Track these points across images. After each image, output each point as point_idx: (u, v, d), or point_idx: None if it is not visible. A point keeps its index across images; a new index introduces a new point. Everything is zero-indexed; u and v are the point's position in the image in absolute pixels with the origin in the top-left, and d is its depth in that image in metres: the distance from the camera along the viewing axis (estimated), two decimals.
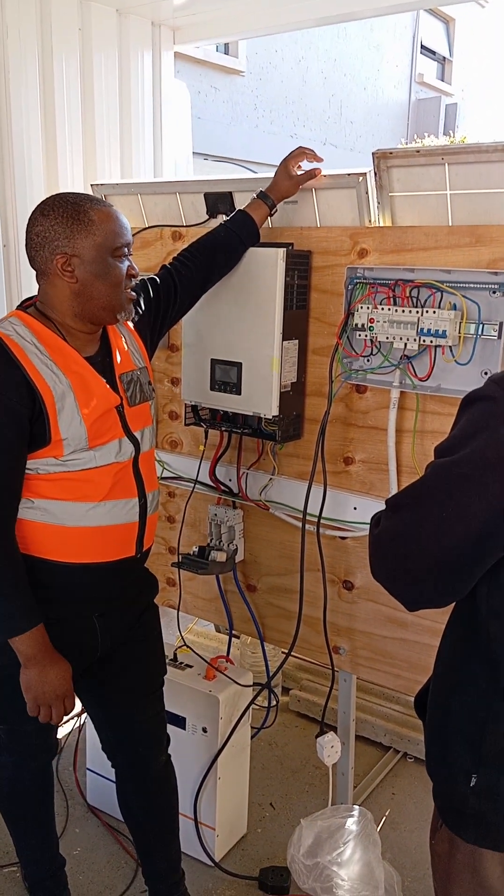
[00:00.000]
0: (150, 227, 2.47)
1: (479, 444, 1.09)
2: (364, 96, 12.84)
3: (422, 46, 14.35)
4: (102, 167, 2.82)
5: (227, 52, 9.82)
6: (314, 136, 11.69)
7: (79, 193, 1.68)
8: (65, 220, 1.61)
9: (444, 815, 1.36)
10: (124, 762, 2.03)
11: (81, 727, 2.79)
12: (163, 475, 2.52)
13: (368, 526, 2.04)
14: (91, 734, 2.43)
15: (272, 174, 2.09)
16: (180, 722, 2.34)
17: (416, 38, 14.07)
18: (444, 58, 15.42)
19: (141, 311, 1.87)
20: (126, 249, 1.66)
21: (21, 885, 2.18)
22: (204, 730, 2.32)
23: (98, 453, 1.67)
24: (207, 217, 2.33)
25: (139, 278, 1.80)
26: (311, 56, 11.33)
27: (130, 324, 1.85)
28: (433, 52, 14.98)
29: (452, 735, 1.29)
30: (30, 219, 1.66)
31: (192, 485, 2.42)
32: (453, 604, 1.31)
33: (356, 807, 2.22)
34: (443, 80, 15.33)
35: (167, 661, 2.12)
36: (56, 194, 1.67)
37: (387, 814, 2.60)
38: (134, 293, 1.71)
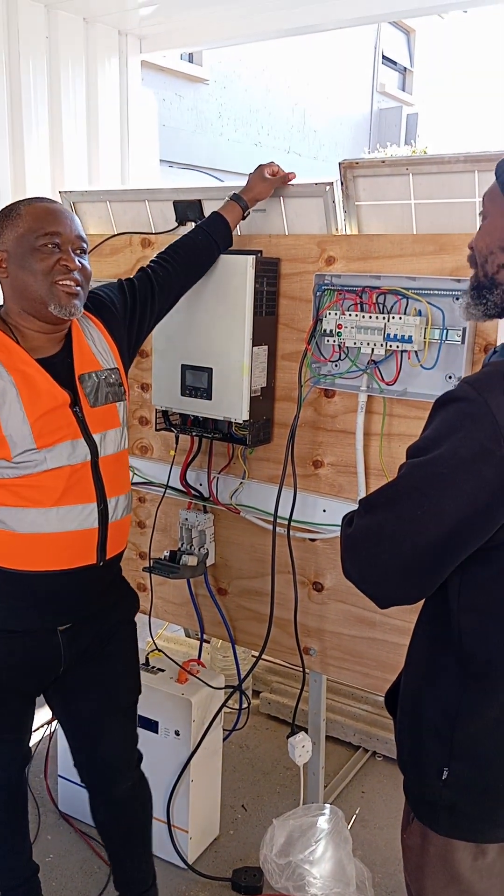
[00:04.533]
0: (119, 234, 2.49)
1: (454, 444, 1.13)
2: (327, 105, 12.97)
3: (383, 57, 14.54)
4: (70, 174, 2.83)
5: (191, 61, 9.85)
6: (278, 144, 11.78)
7: (31, 196, 1.72)
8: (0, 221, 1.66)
9: (415, 808, 1.39)
10: (89, 781, 2.01)
11: (52, 734, 2.78)
12: (133, 480, 2.53)
13: (337, 527, 2.07)
14: (63, 741, 2.43)
15: (238, 182, 2.12)
16: (153, 726, 2.35)
17: (377, 48, 14.25)
18: (405, 68, 15.65)
19: (116, 313, 1.86)
20: (55, 238, 1.63)
21: None
22: (176, 733, 2.34)
23: (49, 454, 1.63)
24: (177, 224, 2.36)
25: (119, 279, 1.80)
26: (275, 65, 11.41)
27: (103, 325, 1.83)
28: (394, 63, 15.19)
29: (424, 729, 1.32)
30: None
31: (163, 490, 2.44)
32: (422, 601, 1.35)
33: (327, 805, 2.25)
34: (404, 90, 15.55)
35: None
36: None
37: (357, 812, 2.64)
38: (74, 286, 1.64)
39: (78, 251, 1.67)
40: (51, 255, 1.63)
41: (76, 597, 1.76)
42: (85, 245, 1.70)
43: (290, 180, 2.08)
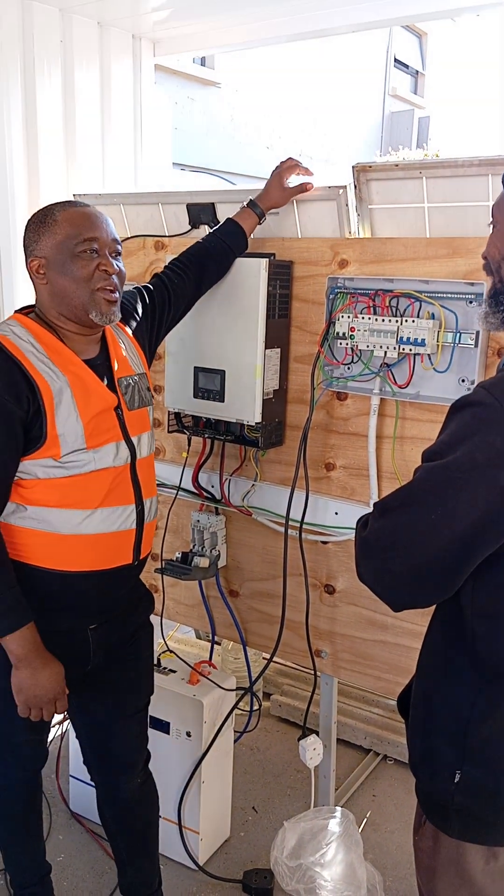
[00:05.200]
0: (132, 237, 2.50)
1: (469, 448, 1.13)
2: (339, 109, 12.97)
3: (395, 60, 14.53)
4: (83, 177, 2.84)
5: (203, 64, 9.88)
6: (290, 147, 11.79)
7: (62, 200, 1.72)
8: (35, 226, 1.67)
9: (427, 811, 1.40)
10: (97, 780, 2.04)
11: (64, 734, 2.79)
12: None
13: (350, 530, 2.08)
14: (74, 741, 2.44)
15: (250, 185, 2.12)
16: (164, 727, 2.36)
17: (389, 51, 14.25)
18: (417, 71, 15.63)
19: (138, 319, 1.89)
20: (94, 244, 1.64)
21: (6, 891, 2.17)
22: (188, 734, 2.34)
23: (97, 455, 1.66)
24: (190, 227, 2.37)
25: (135, 285, 1.81)
26: (287, 68, 11.42)
27: (129, 331, 1.86)
28: (406, 66, 15.18)
29: (436, 732, 1.33)
30: None
31: (175, 491, 2.44)
32: (435, 604, 1.35)
33: (338, 808, 2.25)
34: (416, 94, 15.53)
35: None
36: None
37: (368, 815, 2.63)
38: (113, 293, 1.66)
39: (114, 254, 1.69)
40: (90, 260, 1.64)
41: (110, 596, 1.79)
42: (119, 248, 1.72)
43: (309, 190, 2.07)
